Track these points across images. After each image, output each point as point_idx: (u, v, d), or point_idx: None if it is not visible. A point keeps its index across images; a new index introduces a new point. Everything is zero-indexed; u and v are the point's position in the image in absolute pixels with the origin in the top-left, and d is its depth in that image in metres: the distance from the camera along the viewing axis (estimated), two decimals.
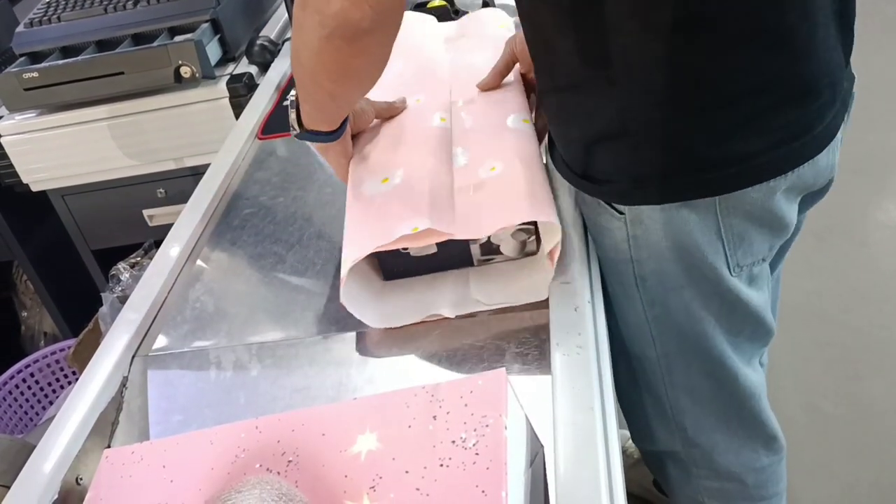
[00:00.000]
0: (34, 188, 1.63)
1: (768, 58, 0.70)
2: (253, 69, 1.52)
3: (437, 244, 0.82)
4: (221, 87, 1.48)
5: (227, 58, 1.56)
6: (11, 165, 1.59)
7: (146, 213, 1.65)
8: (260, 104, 1.35)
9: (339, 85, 0.76)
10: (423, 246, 0.81)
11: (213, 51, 1.50)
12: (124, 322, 0.91)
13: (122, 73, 1.45)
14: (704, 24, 0.68)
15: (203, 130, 1.51)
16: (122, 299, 1.38)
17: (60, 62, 1.48)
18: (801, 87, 0.73)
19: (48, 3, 1.61)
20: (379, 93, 0.94)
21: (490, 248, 0.84)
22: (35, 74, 1.47)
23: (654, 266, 0.83)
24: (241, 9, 1.62)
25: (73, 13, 1.55)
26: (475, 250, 0.84)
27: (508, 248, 0.84)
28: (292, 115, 0.86)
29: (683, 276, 0.83)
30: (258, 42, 1.54)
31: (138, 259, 1.54)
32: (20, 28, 1.57)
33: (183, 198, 1.14)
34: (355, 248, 0.80)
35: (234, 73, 1.51)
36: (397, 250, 0.82)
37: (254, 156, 1.22)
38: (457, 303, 0.82)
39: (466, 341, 0.79)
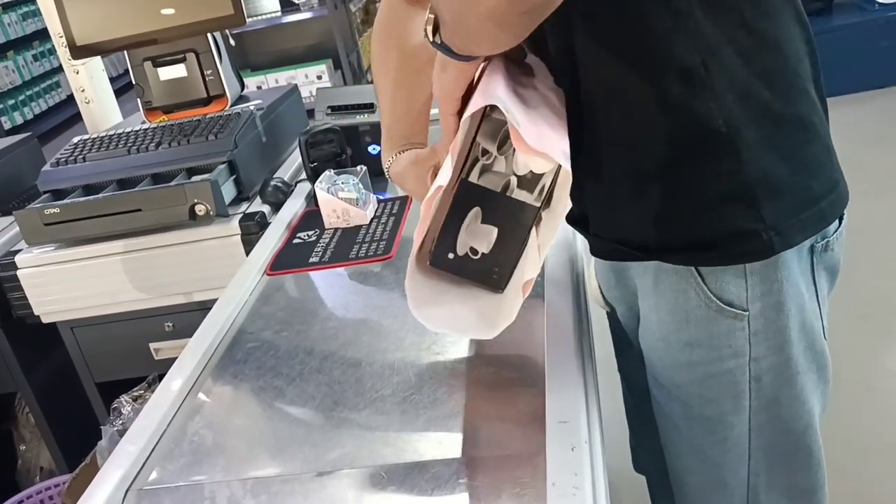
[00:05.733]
0: (45, 320, 1.65)
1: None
2: (265, 208, 1.57)
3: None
4: (234, 225, 1.53)
5: (241, 197, 1.62)
6: (25, 297, 1.62)
7: (153, 346, 1.66)
8: (270, 242, 1.39)
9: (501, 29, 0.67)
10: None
11: (228, 190, 1.57)
12: (121, 454, 0.91)
13: (139, 209, 1.51)
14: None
15: (214, 266, 1.55)
16: (122, 433, 1.37)
17: (81, 199, 1.54)
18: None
19: (76, 144, 1.70)
20: None
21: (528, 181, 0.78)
22: (56, 210, 1.53)
23: (772, 360, 0.83)
24: (257, 152, 1.69)
25: (97, 153, 1.63)
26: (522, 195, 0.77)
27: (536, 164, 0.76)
28: (429, 28, 0.77)
29: (804, 357, 0.84)
30: (272, 183, 1.60)
31: (141, 392, 1.54)
32: (46, 167, 1.64)
33: (190, 332, 1.16)
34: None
35: (247, 211, 1.57)
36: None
37: (261, 291, 1.25)
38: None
39: (462, 480, 0.78)
